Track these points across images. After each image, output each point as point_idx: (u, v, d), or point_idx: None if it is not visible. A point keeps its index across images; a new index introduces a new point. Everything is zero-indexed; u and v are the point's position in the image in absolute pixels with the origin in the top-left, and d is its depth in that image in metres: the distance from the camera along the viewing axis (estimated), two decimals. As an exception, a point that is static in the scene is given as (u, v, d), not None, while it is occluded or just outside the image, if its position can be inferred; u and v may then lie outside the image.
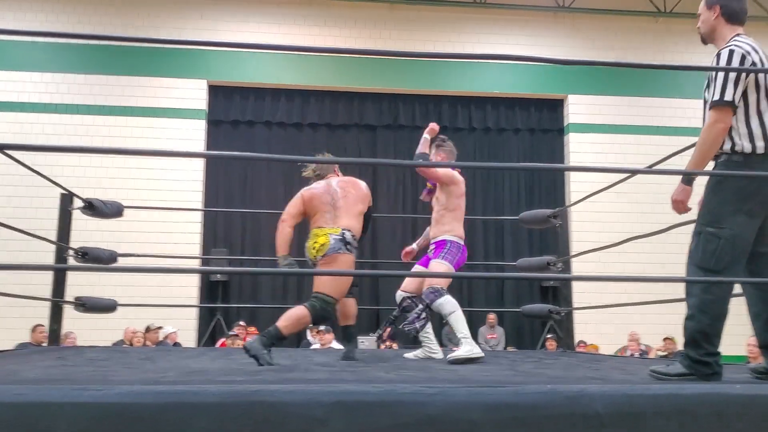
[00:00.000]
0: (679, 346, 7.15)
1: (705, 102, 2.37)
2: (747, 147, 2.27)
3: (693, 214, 2.43)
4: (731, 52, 2.28)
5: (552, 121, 10.38)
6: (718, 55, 2.32)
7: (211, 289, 9.34)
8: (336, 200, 3.44)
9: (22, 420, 1.56)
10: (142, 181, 9.12)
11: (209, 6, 9.78)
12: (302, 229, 3.76)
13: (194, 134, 9.46)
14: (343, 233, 3.35)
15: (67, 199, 4.59)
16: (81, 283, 7.17)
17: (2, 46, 9.21)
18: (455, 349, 3.75)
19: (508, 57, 2.54)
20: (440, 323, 8.99)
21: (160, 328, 7.56)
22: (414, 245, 4.31)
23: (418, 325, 3.70)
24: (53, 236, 4.48)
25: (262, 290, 9.53)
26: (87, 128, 9.23)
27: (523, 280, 9.78)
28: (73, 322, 6.86)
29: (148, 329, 7.48)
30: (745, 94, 2.26)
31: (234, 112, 9.87)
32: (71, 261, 4.50)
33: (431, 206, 4.10)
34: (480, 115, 10.26)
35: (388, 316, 4.03)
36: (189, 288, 8.97)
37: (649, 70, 10.08)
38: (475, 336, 9.28)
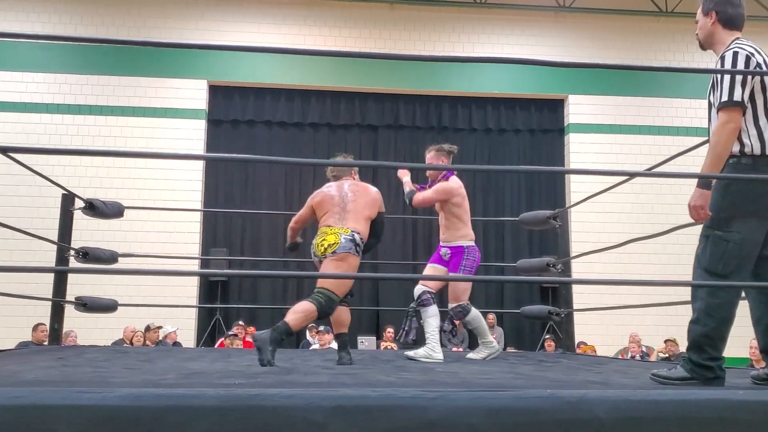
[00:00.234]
0: (682, 348, 7.15)
1: (710, 105, 2.37)
2: (756, 148, 2.25)
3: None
4: (735, 54, 2.28)
5: (552, 122, 10.38)
6: (723, 58, 2.31)
7: (210, 289, 9.35)
8: (346, 203, 3.48)
9: (21, 423, 1.56)
10: (142, 181, 9.12)
11: (210, 6, 9.77)
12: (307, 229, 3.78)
13: (194, 134, 9.46)
14: (353, 234, 3.38)
15: (68, 199, 4.60)
16: (82, 283, 7.19)
17: (4, 46, 9.22)
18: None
19: (508, 60, 2.53)
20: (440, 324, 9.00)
21: (159, 327, 7.57)
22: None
23: (411, 338, 3.91)
24: (54, 236, 4.49)
25: (262, 290, 9.53)
26: (88, 128, 9.24)
27: (523, 282, 9.78)
28: (74, 321, 6.88)
29: (147, 329, 7.49)
30: (751, 96, 2.25)
31: (234, 111, 9.87)
32: (72, 261, 4.50)
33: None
34: (480, 115, 10.26)
35: (408, 313, 4.00)
36: (188, 287, 8.98)
37: (651, 71, 10.07)
38: (474, 336, 9.32)
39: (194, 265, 9.20)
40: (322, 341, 7.49)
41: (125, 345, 7.02)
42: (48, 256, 4.91)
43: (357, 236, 3.39)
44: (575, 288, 9.12)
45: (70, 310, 4.64)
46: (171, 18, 9.66)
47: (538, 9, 10.27)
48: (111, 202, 4.56)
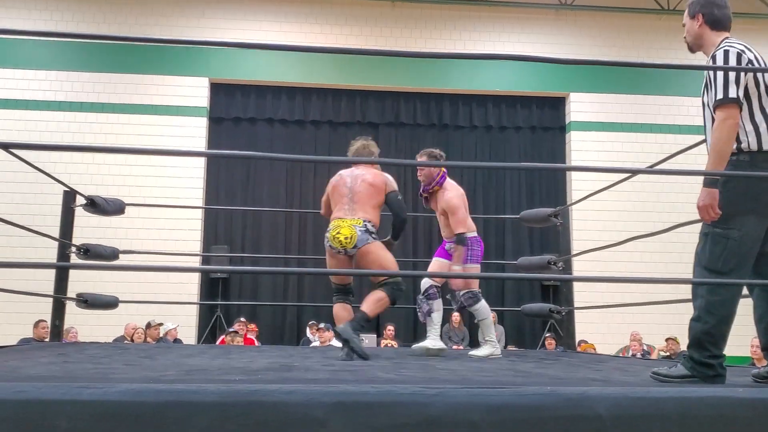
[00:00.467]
0: (683, 346, 7.14)
1: (704, 105, 2.38)
2: (753, 144, 2.26)
3: (695, 215, 2.41)
4: (726, 52, 2.29)
5: (553, 119, 10.37)
6: (714, 57, 2.32)
7: (211, 286, 9.36)
8: (353, 194, 3.57)
9: (23, 417, 1.56)
10: (144, 179, 9.13)
11: (211, 4, 9.77)
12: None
13: (196, 131, 9.47)
14: (365, 224, 3.48)
15: (69, 196, 4.60)
16: (83, 279, 7.23)
17: (6, 44, 9.22)
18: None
19: (508, 57, 2.53)
20: (441, 321, 9.00)
21: (160, 324, 7.58)
22: None
23: (424, 310, 3.92)
24: (56, 233, 4.49)
25: (263, 287, 9.54)
26: (90, 126, 9.25)
27: (523, 280, 9.77)
28: (75, 317, 6.88)
29: (148, 325, 7.50)
30: (746, 93, 2.26)
31: (235, 109, 9.87)
32: (73, 258, 4.50)
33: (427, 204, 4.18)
34: (481, 112, 10.25)
35: (418, 302, 4.03)
36: (189, 285, 8.99)
37: (651, 69, 10.06)
38: (475, 334, 9.32)
39: (195, 263, 9.22)
40: (323, 338, 7.50)
41: (126, 342, 7.03)
42: (50, 253, 4.92)
43: (368, 224, 3.49)
44: (576, 286, 9.15)
45: (72, 307, 4.65)
46: (172, 16, 9.66)
47: (540, 7, 10.26)
48: (112, 199, 4.56)
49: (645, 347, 8.07)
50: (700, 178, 2.30)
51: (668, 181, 9.38)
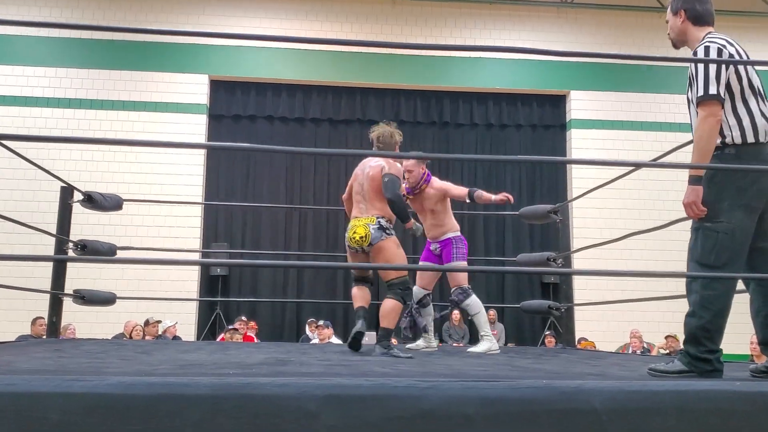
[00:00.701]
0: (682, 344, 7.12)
1: (689, 102, 2.40)
2: (737, 138, 2.27)
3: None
4: (707, 48, 2.31)
5: (554, 117, 10.35)
6: (695, 53, 2.34)
7: (211, 283, 9.35)
8: (365, 191, 3.64)
9: (14, 410, 1.55)
10: (143, 175, 9.12)
11: (212, 2, 9.76)
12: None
13: (195, 128, 9.45)
14: (378, 221, 3.55)
15: (66, 192, 4.59)
16: (83, 277, 7.22)
17: (6, 40, 9.21)
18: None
19: (509, 49, 2.51)
20: (441, 319, 9.00)
21: (158, 321, 7.57)
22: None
23: (420, 324, 4.00)
24: (54, 230, 4.48)
25: (262, 284, 9.53)
26: (89, 122, 9.24)
27: (523, 277, 9.77)
28: (74, 315, 6.87)
29: (147, 323, 7.49)
30: (728, 87, 2.28)
31: (235, 106, 9.86)
32: (71, 254, 4.49)
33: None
34: (482, 110, 10.23)
35: (408, 310, 4.09)
36: (189, 282, 8.98)
37: (652, 67, 10.03)
38: (475, 332, 9.31)
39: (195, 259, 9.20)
40: (321, 336, 7.49)
41: (125, 339, 7.02)
42: (48, 249, 4.91)
43: (382, 221, 3.56)
44: (576, 284, 9.14)
45: (72, 305, 4.64)
46: (172, 13, 9.65)
47: (540, 5, 10.24)
48: (109, 195, 4.55)
49: (645, 345, 8.06)
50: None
51: (668, 178, 9.35)
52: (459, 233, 4.14)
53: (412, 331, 4.13)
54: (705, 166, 2.29)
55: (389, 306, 3.44)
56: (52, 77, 9.29)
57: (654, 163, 3.21)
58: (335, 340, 7.59)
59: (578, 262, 8.78)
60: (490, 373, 2.34)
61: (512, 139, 10.31)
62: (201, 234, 9.35)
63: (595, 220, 9.36)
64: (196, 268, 9.19)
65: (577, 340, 7.69)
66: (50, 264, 4.73)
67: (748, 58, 2.34)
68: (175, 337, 7.69)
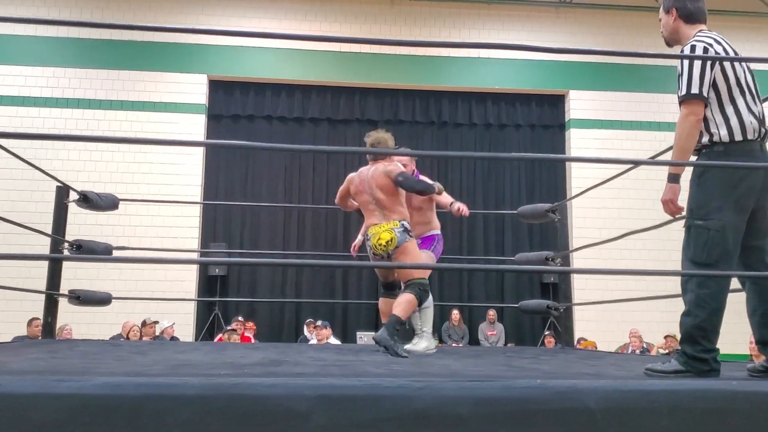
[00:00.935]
0: (680, 343, 7.09)
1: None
2: (725, 136, 2.28)
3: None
4: (693, 48, 2.33)
5: (553, 117, 10.33)
6: (682, 52, 2.35)
7: (209, 284, 9.33)
8: (377, 201, 3.65)
9: (-1, 411, 1.53)
10: (142, 175, 9.10)
11: (209, 2, 9.75)
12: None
13: (194, 128, 9.43)
14: (402, 224, 3.62)
15: (62, 191, 4.57)
16: (80, 278, 7.19)
17: (4, 40, 9.20)
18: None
19: (509, 46, 2.50)
20: (440, 320, 8.97)
21: (156, 322, 7.54)
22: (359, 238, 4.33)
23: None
24: (50, 230, 4.46)
25: (261, 284, 9.50)
26: (87, 122, 9.22)
27: (523, 276, 9.74)
28: (72, 315, 6.85)
29: (144, 323, 7.47)
30: (714, 85, 2.29)
31: (234, 106, 9.84)
32: (66, 254, 4.47)
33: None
34: (481, 110, 10.21)
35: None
36: (187, 282, 8.96)
37: (651, 66, 10.01)
38: (474, 332, 9.31)
39: (193, 258, 9.17)
40: (320, 336, 7.47)
41: (122, 339, 7.00)
42: (45, 250, 4.89)
43: (405, 223, 3.64)
44: (576, 284, 9.12)
45: (69, 306, 4.61)
46: (171, 13, 9.63)
47: (540, 5, 10.22)
48: (105, 194, 4.53)
49: (644, 344, 8.03)
50: (684, 176, 2.30)
51: (666, 177, 9.32)
52: (440, 232, 4.17)
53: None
54: (705, 163, 2.29)
55: (405, 298, 3.47)
56: (50, 77, 9.27)
57: (652, 161, 3.19)
58: (333, 340, 7.57)
59: (577, 261, 8.75)
60: (485, 373, 2.32)
61: (511, 139, 10.29)
62: (199, 234, 9.32)
63: (594, 219, 9.34)
64: (194, 268, 9.16)
65: (576, 339, 7.67)
66: (47, 264, 4.70)
67: (737, 55, 2.33)
68: (173, 338, 7.67)
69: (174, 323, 7.94)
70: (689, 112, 2.26)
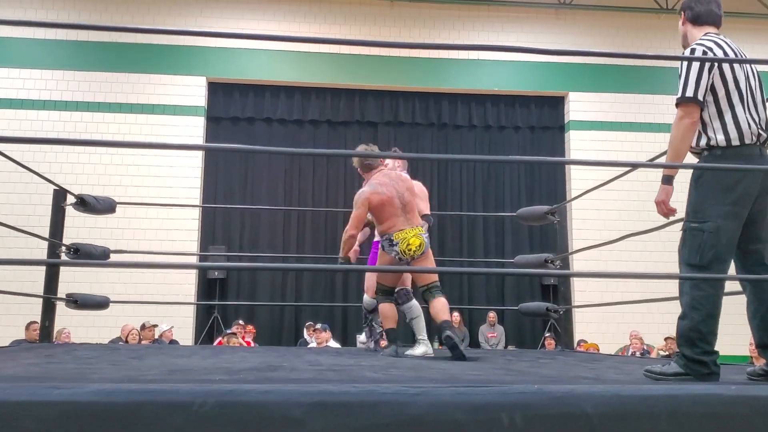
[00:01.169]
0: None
1: None
2: (722, 140, 2.27)
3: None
4: (692, 51, 2.34)
5: (553, 119, 10.31)
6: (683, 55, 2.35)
7: (208, 287, 9.31)
8: (404, 204, 3.75)
9: (-10, 419, 1.51)
10: (141, 178, 9.09)
11: (208, 4, 9.74)
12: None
13: (193, 131, 9.42)
14: (424, 230, 3.78)
15: (59, 195, 4.55)
16: (78, 281, 7.17)
17: (2, 43, 9.19)
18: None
19: (508, 48, 2.49)
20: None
21: (155, 325, 7.53)
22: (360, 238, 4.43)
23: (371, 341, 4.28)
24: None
25: (261, 288, 9.49)
26: (86, 125, 9.21)
27: (523, 279, 9.72)
28: (71, 319, 6.84)
29: (143, 327, 7.45)
30: (713, 89, 2.28)
31: (233, 108, 9.83)
32: (63, 257, 4.45)
33: None
34: (480, 112, 10.20)
35: (369, 321, 4.31)
36: (186, 286, 8.94)
37: (651, 68, 10.00)
38: (475, 334, 9.28)
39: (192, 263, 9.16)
40: (319, 339, 7.45)
41: (121, 343, 6.99)
42: (44, 254, 4.87)
43: (425, 229, 3.82)
44: (576, 286, 9.10)
45: (68, 309, 4.59)
46: (170, 15, 9.63)
47: (539, 6, 10.21)
48: (103, 197, 4.51)
49: (645, 346, 8.01)
50: (678, 179, 2.32)
51: (668, 179, 9.30)
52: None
53: (373, 339, 4.36)
54: (702, 166, 2.28)
55: (443, 302, 3.69)
56: (48, 80, 9.26)
57: (650, 164, 3.17)
58: (333, 343, 7.55)
59: (578, 263, 8.74)
60: (483, 377, 2.30)
61: (511, 141, 10.28)
62: (199, 237, 9.31)
63: (595, 221, 9.32)
64: (194, 271, 9.14)
65: (576, 342, 7.65)
66: (42, 266, 4.69)
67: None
68: (172, 341, 7.65)
69: (172, 326, 7.93)
70: (684, 114, 2.27)
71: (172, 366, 2.66)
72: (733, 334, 6.88)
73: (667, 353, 7.64)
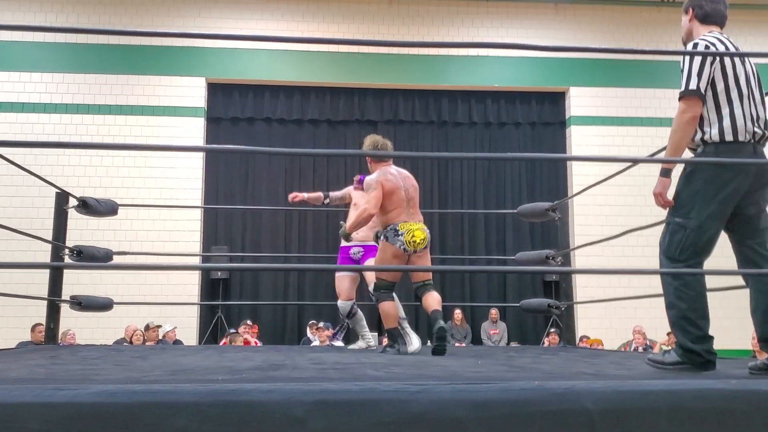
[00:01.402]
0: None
1: None
2: (715, 135, 2.30)
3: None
4: (695, 45, 2.37)
5: (553, 114, 10.30)
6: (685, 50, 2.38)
7: (212, 287, 9.33)
8: (409, 199, 3.82)
9: (-6, 421, 1.53)
10: (142, 180, 9.11)
11: (208, 4, 9.75)
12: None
13: (193, 132, 9.44)
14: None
15: (62, 198, 4.57)
16: (82, 282, 7.20)
17: (1, 46, 9.21)
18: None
19: (508, 45, 2.50)
20: (443, 319, 8.95)
21: (159, 326, 7.56)
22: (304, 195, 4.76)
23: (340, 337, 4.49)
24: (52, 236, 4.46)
25: (263, 287, 9.51)
26: (86, 128, 9.23)
27: (525, 275, 9.72)
28: (76, 320, 6.87)
29: (147, 327, 7.48)
30: (712, 84, 2.31)
31: (233, 109, 9.84)
32: (67, 260, 4.48)
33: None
34: (480, 109, 10.19)
35: (343, 325, 4.48)
36: (190, 286, 8.96)
37: (652, 62, 9.98)
38: (477, 331, 9.29)
39: (195, 263, 9.18)
40: (322, 338, 7.47)
41: (125, 344, 7.01)
42: (47, 256, 4.89)
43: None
44: (579, 282, 9.10)
45: (73, 311, 4.62)
46: (168, 17, 9.64)
47: (538, 1, 10.19)
48: (105, 200, 4.54)
49: (648, 341, 8.02)
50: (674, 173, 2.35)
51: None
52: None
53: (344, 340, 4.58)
54: (707, 160, 2.30)
55: (437, 296, 3.75)
56: (48, 82, 9.28)
57: (652, 159, 3.18)
58: (336, 342, 7.56)
59: (580, 259, 8.74)
60: (484, 374, 2.31)
61: (512, 137, 10.27)
62: (201, 238, 9.33)
63: (596, 216, 9.31)
64: (197, 272, 9.17)
65: (579, 337, 7.66)
66: (46, 269, 4.71)
67: (741, 58, 2.34)
68: (176, 342, 7.68)
69: (175, 327, 7.95)
70: (686, 108, 2.29)
71: (175, 366, 2.67)
72: (737, 328, 6.89)
73: (669, 348, 7.64)
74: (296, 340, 8.90)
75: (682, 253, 2.28)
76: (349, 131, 10.09)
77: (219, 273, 9.06)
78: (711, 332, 2.29)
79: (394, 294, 3.85)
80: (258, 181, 9.83)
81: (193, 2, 9.73)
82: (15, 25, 2.29)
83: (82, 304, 4.38)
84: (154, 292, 8.36)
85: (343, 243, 4.28)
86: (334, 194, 4.74)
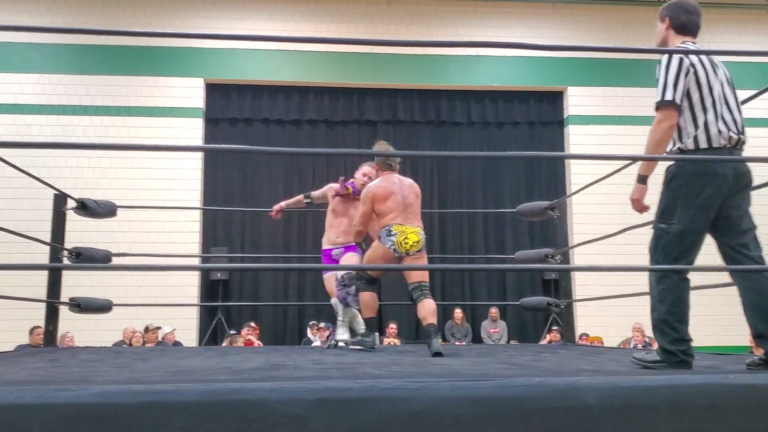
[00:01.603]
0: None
1: None
2: (690, 143, 2.37)
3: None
4: (670, 55, 2.41)
5: (552, 114, 10.31)
6: (660, 62, 2.42)
7: (211, 288, 9.33)
8: (407, 205, 3.84)
9: (-3, 422, 1.53)
10: (141, 181, 9.11)
11: (205, 4, 9.74)
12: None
13: (192, 133, 9.43)
14: (422, 231, 3.85)
15: (60, 199, 4.57)
16: (81, 284, 7.19)
17: (-1, 48, 9.22)
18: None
19: (506, 45, 2.50)
20: (443, 318, 8.96)
21: (158, 328, 7.55)
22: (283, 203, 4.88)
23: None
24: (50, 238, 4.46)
25: (263, 288, 9.50)
26: (84, 129, 9.22)
27: (524, 274, 9.73)
28: (75, 323, 6.84)
29: (146, 329, 7.47)
30: (687, 94, 2.36)
31: (232, 109, 9.84)
32: (66, 262, 4.47)
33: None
34: (479, 108, 10.20)
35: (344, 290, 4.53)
36: (189, 287, 8.96)
37: (649, 61, 9.99)
38: (477, 330, 9.30)
39: (194, 265, 9.17)
40: (323, 338, 7.47)
41: (124, 346, 7.01)
42: (45, 258, 4.90)
43: (423, 232, 3.90)
44: (578, 280, 9.11)
45: (71, 314, 4.61)
46: (166, 17, 9.63)
47: (536, 1, 10.20)
48: (103, 201, 4.53)
49: (647, 339, 8.03)
50: (653, 179, 2.43)
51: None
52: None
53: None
54: (703, 158, 2.33)
55: (431, 305, 3.67)
56: (45, 84, 9.27)
57: (650, 156, 3.18)
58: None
59: (579, 257, 8.74)
60: (484, 372, 2.31)
61: (510, 137, 10.28)
62: (200, 239, 9.33)
63: (595, 215, 9.31)
64: (196, 273, 9.17)
65: (579, 335, 7.66)
66: (44, 270, 4.71)
67: (714, 67, 2.40)
68: (176, 343, 7.67)
69: (175, 329, 7.95)
70: (662, 118, 2.35)
71: (175, 367, 2.67)
72: (735, 325, 6.91)
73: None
74: (297, 341, 8.90)
75: (667, 257, 2.36)
76: (348, 131, 10.10)
77: (218, 274, 9.06)
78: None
79: (375, 287, 3.97)
80: (257, 181, 9.83)
81: (190, 2, 9.73)
82: (13, 26, 2.29)
83: (81, 306, 4.38)
84: (153, 294, 8.36)
85: (325, 246, 4.50)
86: (314, 193, 4.77)
